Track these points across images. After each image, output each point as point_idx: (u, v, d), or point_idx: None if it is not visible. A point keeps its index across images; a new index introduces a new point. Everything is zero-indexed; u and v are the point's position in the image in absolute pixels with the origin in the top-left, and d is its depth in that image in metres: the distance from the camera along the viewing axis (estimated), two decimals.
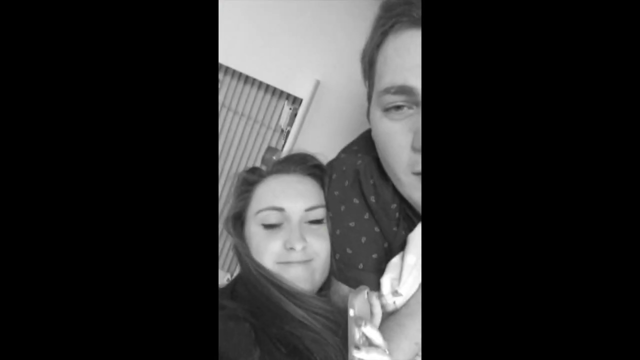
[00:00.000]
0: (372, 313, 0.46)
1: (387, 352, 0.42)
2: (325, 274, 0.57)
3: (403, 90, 0.44)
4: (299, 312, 0.49)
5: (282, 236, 0.54)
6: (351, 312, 0.43)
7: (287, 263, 0.54)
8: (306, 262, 0.54)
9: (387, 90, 0.45)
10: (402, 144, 0.45)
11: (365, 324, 0.42)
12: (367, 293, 0.46)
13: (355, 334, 0.42)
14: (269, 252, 0.54)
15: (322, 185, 0.60)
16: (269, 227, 0.55)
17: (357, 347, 0.41)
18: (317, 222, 0.57)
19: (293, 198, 0.56)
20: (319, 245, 0.56)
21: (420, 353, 0.48)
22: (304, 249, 0.54)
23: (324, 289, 0.59)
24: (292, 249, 0.53)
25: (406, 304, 0.49)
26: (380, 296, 0.51)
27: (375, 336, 0.42)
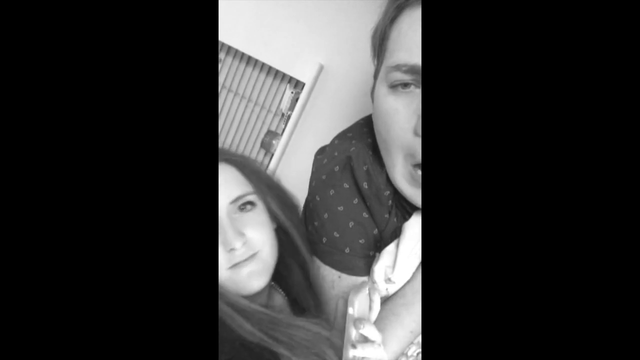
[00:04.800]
0: (370, 308, 0.46)
1: (382, 346, 0.43)
2: (277, 255, 0.53)
3: (414, 70, 0.43)
4: (248, 329, 0.45)
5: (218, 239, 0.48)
6: (350, 311, 0.43)
7: (236, 265, 0.49)
8: (253, 256, 0.50)
9: (397, 67, 0.44)
10: (404, 126, 0.45)
11: (365, 326, 0.42)
12: (369, 290, 0.46)
13: (352, 333, 0.42)
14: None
15: (243, 173, 0.54)
16: None
17: (354, 346, 0.42)
18: (248, 205, 0.52)
19: None
20: (260, 235, 0.51)
21: (414, 341, 0.49)
22: (245, 244, 0.49)
23: (307, 269, 0.58)
24: (232, 249, 0.48)
25: (402, 293, 0.50)
26: (373, 283, 0.51)
27: (371, 332, 0.42)
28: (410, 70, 0.43)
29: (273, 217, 0.55)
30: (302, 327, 0.47)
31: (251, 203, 0.52)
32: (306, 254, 0.57)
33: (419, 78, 0.43)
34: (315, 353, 0.45)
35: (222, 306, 0.46)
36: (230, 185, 0.51)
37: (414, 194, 0.48)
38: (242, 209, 0.51)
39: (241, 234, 0.49)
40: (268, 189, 0.55)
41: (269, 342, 0.44)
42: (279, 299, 0.60)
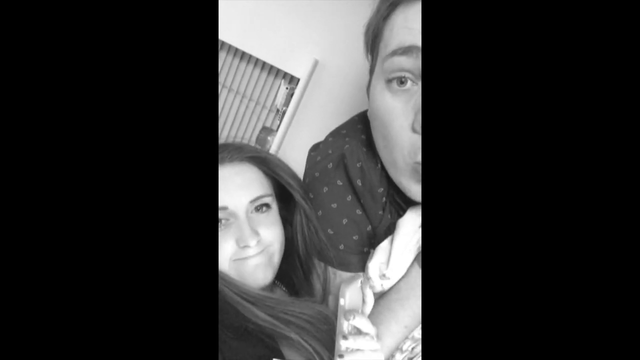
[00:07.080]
0: (364, 302, 0.46)
1: (375, 339, 0.43)
2: (282, 254, 0.56)
3: (410, 50, 0.42)
4: (260, 315, 0.47)
5: (233, 234, 0.51)
6: (341, 302, 0.43)
7: (244, 258, 0.52)
8: (262, 251, 0.53)
9: (394, 52, 0.44)
10: (403, 124, 0.44)
11: (354, 317, 0.42)
12: (361, 282, 0.46)
13: (344, 325, 0.42)
14: (222, 253, 0.51)
15: (265, 172, 0.57)
16: None
17: (345, 337, 0.42)
18: (265, 207, 0.55)
19: (233, 192, 0.52)
20: (272, 234, 0.54)
21: (409, 336, 0.49)
22: (258, 242, 0.52)
23: (308, 273, 0.59)
24: (246, 246, 0.51)
25: (396, 289, 0.50)
26: (368, 279, 0.52)
27: (364, 324, 0.43)
28: (406, 51, 0.42)
29: (299, 205, 0.57)
30: (307, 306, 0.50)
31: (267, 205, 0.55)
32: (311, 248, 0.58)
33: (415, 66, 0.43)
34: (323, 330, 0.46)
35: (232, 295, 0.48)
36: (252, 185, 0.53)
37: (419, 191, 0.47)
38: (259, 209, 0.54)
39: (256, 233, 0.51)
40: (293, 179, 0.58)
41: (281, 326, 0.46)
42: (281, 294, 0.61)
